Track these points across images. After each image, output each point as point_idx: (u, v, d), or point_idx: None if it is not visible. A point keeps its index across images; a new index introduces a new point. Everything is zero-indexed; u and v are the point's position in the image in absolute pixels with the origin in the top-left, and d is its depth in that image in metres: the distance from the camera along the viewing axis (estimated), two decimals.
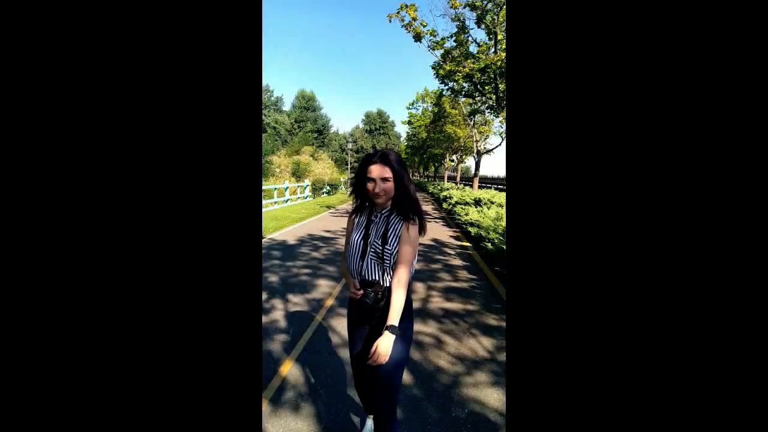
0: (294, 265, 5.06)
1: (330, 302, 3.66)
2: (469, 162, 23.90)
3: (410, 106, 25.85)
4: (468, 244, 6.85)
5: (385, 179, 1.35)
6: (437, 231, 8.35)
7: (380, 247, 1.38)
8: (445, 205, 12.32)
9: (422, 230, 1.43)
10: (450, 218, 10.73)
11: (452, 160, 26.25)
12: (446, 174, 28.19)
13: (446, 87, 10.42)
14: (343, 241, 6.71)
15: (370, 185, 1.37)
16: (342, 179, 25.47)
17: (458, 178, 25.02)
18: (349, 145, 22.01)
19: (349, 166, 23.33)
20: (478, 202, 9.44)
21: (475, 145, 13.44)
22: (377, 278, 1.39)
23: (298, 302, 3.67)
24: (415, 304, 3.67)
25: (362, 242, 1.42)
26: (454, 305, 3.66)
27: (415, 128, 26.79)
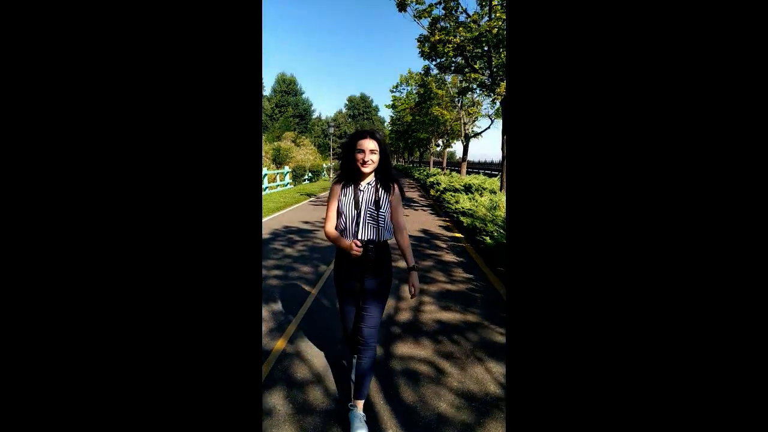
0: (263, 266, 4.35)
1: (301, 314, 2.98)
2: (456, 147, 23.15)
3: (394, 89, 24.96)
4: (460, 235, 6.23)
5: (372, 151, 1.59)
6: (425, 220, 7.71)
7: (375, 212, 1.65)
8: (432, 192, 11.64)
9: (402, 194, 1.76)
10: (438, 206, 10.09)
11: (438, 145, 25.54)
12: (432, 159, 27.46)
13: (434, 63, 9.60)
14: (320, 233, 6.14)
15: (360, 155, 1.59)
16: (325, 165, 24.55)
17: (444, 164, 24.32)
18: (331, 130, 20.98)
19: (331, 152, 22.42)
20: (468, 189, 8.80)
21: (463, 128, 12.73)
22: (374, 237, 1.66)
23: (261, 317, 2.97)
24: (405, 314, 3.03)
25: (354, 210, 1.64)
26: (451, 316, 3.04)
27: (399, 112, 25.90)
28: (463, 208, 6.63)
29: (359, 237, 1.64)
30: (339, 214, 1.68)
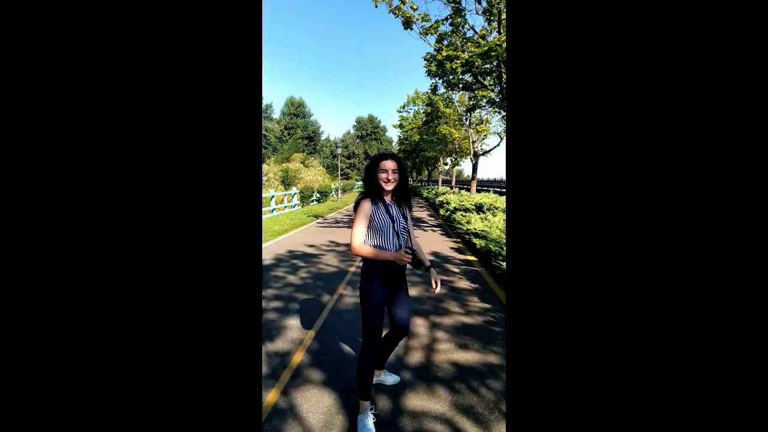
0: (263, 296, 4.02)
1: (298, 358, 2.63)
2: (464, 165, 22.90)
3: (401, 109, 25.00)
4: (473, 258, 5.87)
5: (394, 171, 1.81)
6: (436, 242, 7.36)
7: (405, 222, 1.89)
8: (442, 212, 11.30)
9: (410, 208, 2.02)
10: (449, 226, 9.75)
11: (446, 163, 25.31)
12: (440, 178, 27.22)
13: (441, 80, 9.41)
14: (326, 257, 5.83)
15: (383, 175, 1.80)
16: (333, 186, 24.44)
17: (453, 182, 24.02)
18: (339, 150, 20.93)
19: (339, 172, 22.32)
20: (480, 209, 8.45)
21: (471, 146, 12.47)
22: (410, 244, 1.92)
23: None
24: (417, 355, 2.67)
25: (390, 221, 1.81)
26: (469, 357, 2.67)
27: (406, 131, 25.86)
28: (475, 229, 6.28)
29: (402, 245, 1.83)
30: (371, 228, 1.80)
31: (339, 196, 21.87)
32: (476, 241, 5.90)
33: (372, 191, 1.81)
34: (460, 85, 8.78)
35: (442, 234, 8.51)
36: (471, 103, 10.19)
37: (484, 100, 7.94)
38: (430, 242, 7.35)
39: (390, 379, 2.28)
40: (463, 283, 4.52)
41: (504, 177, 16.10)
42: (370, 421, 1.82)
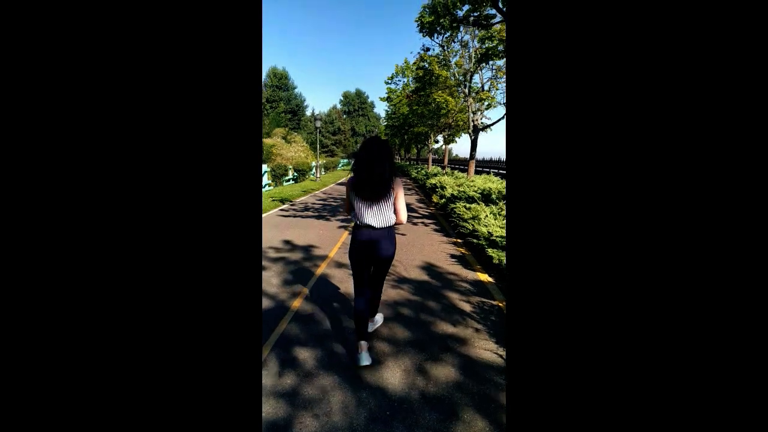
0: None
1: None
2: (457, 143, 20.51)
3: (389, 81, 22.55)
4: (487, 278, 3.88)
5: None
6: (429, 243, 5.36)
7: (385, 202, 2.12)
8: (435, 198, 9.23)
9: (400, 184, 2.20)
10: (444, 217, 7.74)
11: (437, 141, 23.06)
12: (430, 157, 24.99)
13: (439, 31, 7.19)
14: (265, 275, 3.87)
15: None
16: (313, 163, 22.08)
17: (446, 161, 21.79)
18: (318, 124, 18.48)
19: (318, 149, 20.00)
20: (487, 197, 6.40)
21: (471, 117, 10.31)
22: (389, 222, 2.18)
23: None
24: None
25: (366, 201, 2.11)
26: None
27: (395, 105, 23.44)
28: (490, 233, 4.24)
29: (372, 222, 2.14)
30: (353, 204, 2.16)
31: (318, 175, 19.63)
32: (492, 253, 3.89)
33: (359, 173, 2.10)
34: (470, 19, 6.45)
35: (436, 230, 6.50)
36: (484, 48, 8.00)
37: (502, 44, 5.57)
38: (422, 245, 5.34)
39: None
40: (481, 340, 2.52)
41: (504, 157, 13.99)
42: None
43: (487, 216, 4.90)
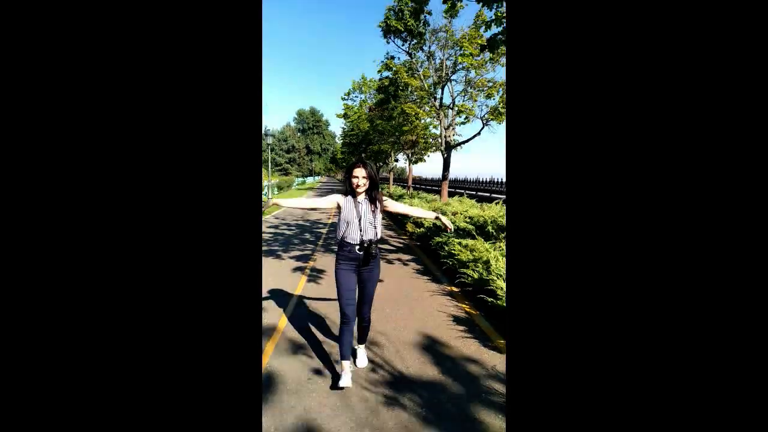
0: None
1: None
2: (426, 161, 19.33)
3: (346, 97, 21.41)
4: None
5: (364, 177, 2.26)
6: (418, 296, 3.97)
7: (373, 220, 2.31)
8: (410, 227, 7.89)
9: (382, 200, 2.36)
10: (422, 250, 6.41)
11: (396, 160, 22.03)
12: (391, 175, 23.88)
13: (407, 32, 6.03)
14: None
15: (354, 180, 2.26)
16: (265, 182, 20.13)
17: (410, 182, 20.68)
18: (269, 140, 16.64)
19: (270, 169, 18.24)
20: (481, 228, 5.13)
21: (443, 134, 9.21)
22: (373, 237, 2.31)
23: None
24: None
25: (357, 219, 2.27)
26: None
27: (352, 122, 22.22)
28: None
29: (363, 238, 2.27)
30: (342, 220, 2.31)
31: (270, 195, 17.75)
32: None
33: (348, 192, 2.33)
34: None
35: (419, 271, 5.14)
36: (453, 58, 6.92)
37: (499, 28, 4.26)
38: (410, 299, 3.95)
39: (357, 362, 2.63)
40: None
41: (480, 177, 13.00)
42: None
43: (498, 260, 3.62)
